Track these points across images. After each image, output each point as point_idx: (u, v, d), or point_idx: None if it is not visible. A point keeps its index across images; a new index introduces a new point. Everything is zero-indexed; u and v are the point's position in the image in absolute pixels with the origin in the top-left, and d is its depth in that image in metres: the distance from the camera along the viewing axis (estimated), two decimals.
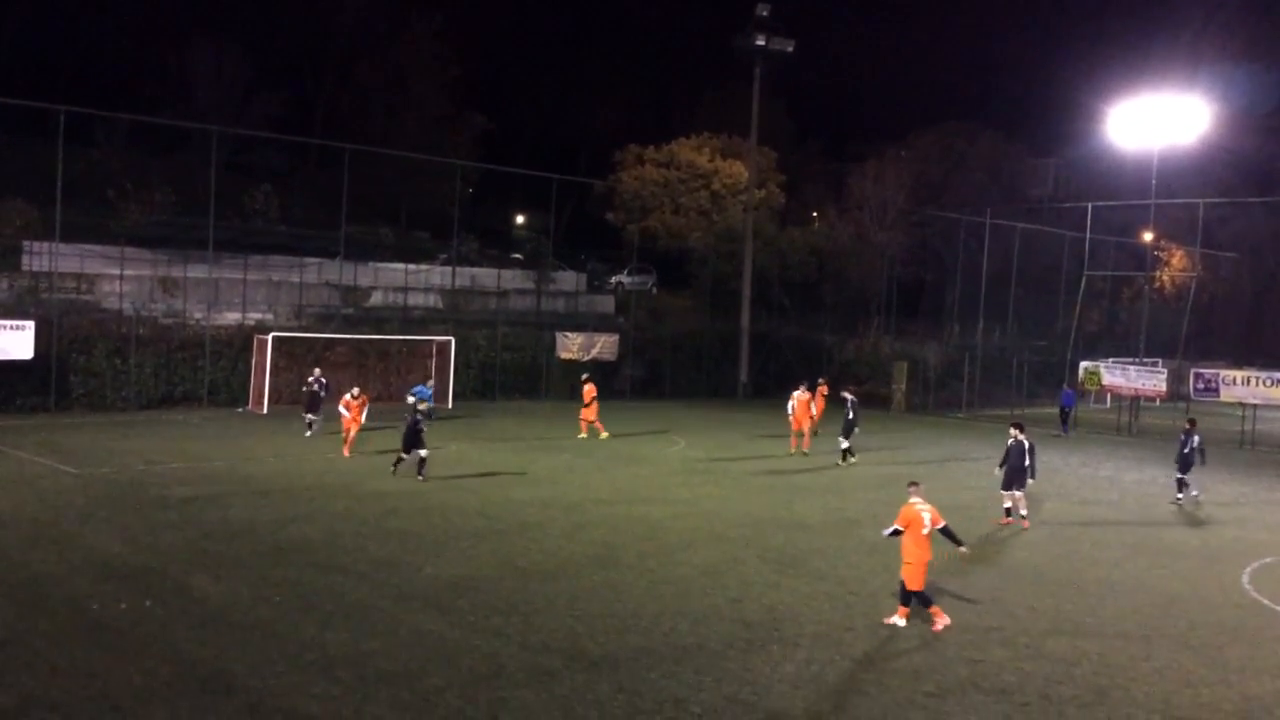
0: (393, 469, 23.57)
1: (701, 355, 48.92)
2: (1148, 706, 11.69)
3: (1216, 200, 54.95)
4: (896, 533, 14.36)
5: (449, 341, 39.34)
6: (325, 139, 51.72)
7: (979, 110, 69.95)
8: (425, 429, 23.64)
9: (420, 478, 23.01)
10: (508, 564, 16.50)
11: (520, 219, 70.07)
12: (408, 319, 42.69)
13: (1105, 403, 48.47)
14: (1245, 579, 17.80)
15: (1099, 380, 43.56)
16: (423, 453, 23.13)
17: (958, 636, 13.78)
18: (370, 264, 45.79)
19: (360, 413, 26.97)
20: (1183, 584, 17.33)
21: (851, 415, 28.82)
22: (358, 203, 43.87)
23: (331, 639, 12.61)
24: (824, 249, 59.94)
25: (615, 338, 44.70)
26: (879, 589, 15.88)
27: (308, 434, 29.50)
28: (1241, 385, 39.79)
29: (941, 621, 13.97)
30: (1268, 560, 19.28)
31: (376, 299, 44.37)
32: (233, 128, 49.23)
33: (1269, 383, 39.23)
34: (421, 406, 28.01)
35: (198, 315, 36.90)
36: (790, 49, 49.75)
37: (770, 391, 48.68)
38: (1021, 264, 53.43)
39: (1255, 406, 39.47)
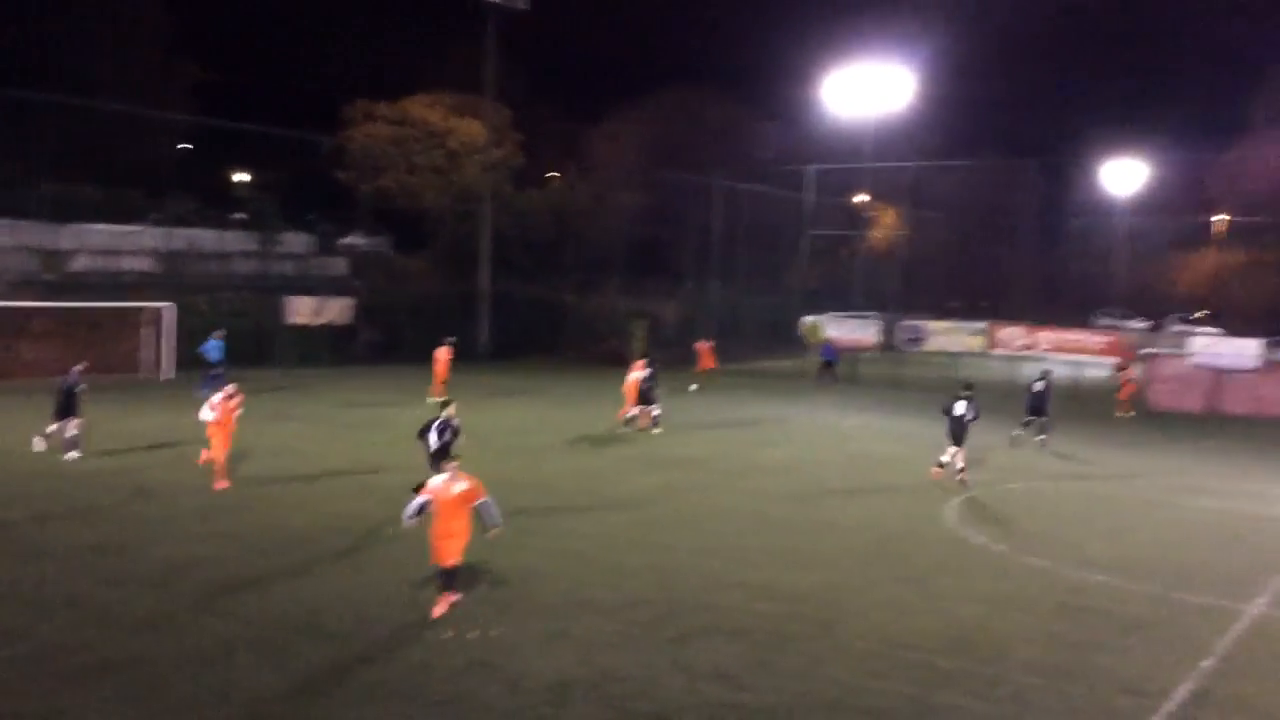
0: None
1: (441, 317, 48.01)
2: (868, 636, 12.53)
3: (922, 164, 59.26)
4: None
5: (166, 308, 36.80)
6: (16, 89, 46.98)
7: (709, 73, 72.11)
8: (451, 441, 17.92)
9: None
10: (238, 541, 15.69)
11: (243, 177, 66.32)
12: (118, 285, 39.53)
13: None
14: (949, 514, 19.40)
15: (820, 332, 46.19)
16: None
17: (697, 582, 14.28)
18: (73, 225, 42.08)
19: (233, 418, 19.62)
20: (897, 521, 18.69)
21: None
22: (58, 159, 40.18)
23: (45, 630, 11.61)
24: (563, 209, 60.20)
25: (349, 301, 43.30)
26: (625, 544, 16.22)
27: (72, 455, 21.15)
28: (944, 335, 43.27)
29: (443, 609, 12.67)
30: (967, 495, 21.08)
31: (81, 263, 40.85)
32: None
33: (967, 332, 42.84)
34: (440, 423, 18.58)
35: None
36: (523, 5, 49.30)
37: (511, 353, 48.62)
38: (750, 223, 55.82)
39: (957, 354, 43.06)
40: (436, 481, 12.93)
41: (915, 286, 67.91)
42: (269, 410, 28.89)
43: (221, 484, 19.15)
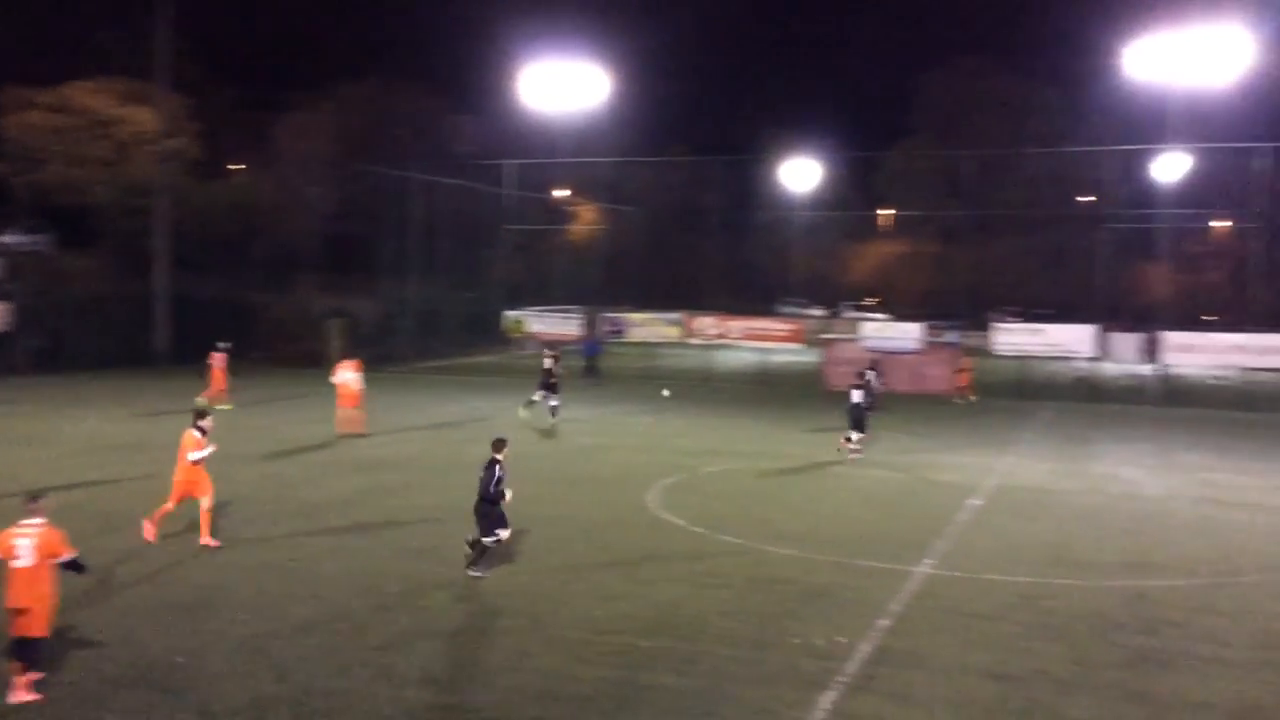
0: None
1: (111, 320, 44.44)
2: (574, 625, 12.67)
3: (616, 159, 60.85)
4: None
5: None
6: None
7: (402, 66, 70.59)
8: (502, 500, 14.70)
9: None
10: None
11: None
12: None
13: (526, 349, 51.77)
14: (650, 499, 19.97)
15: (523, 328, 46.43)
16: (504, 534, 14.79)
17: (401, 586, 13.92)
18: None
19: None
20: (601, 510, 19.03)
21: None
22: None
23: None
24: (248, 203, 57.19)
25: (6, 305, 39.27)
26: (324, 552, 15.58)
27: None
28: (644, 327, 44.69)
29: (24, 694, 10.07)
30: (668, 480, 21.80)
31: None
32: None
33: (665, 323, 44.46)
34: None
35: None
36: None
37: (194, 356, 45.67)
38: (449, 218, 55.26)
39: (656, 345, 44.61)
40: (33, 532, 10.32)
41: (615, 280, 69.71)
42: None
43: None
